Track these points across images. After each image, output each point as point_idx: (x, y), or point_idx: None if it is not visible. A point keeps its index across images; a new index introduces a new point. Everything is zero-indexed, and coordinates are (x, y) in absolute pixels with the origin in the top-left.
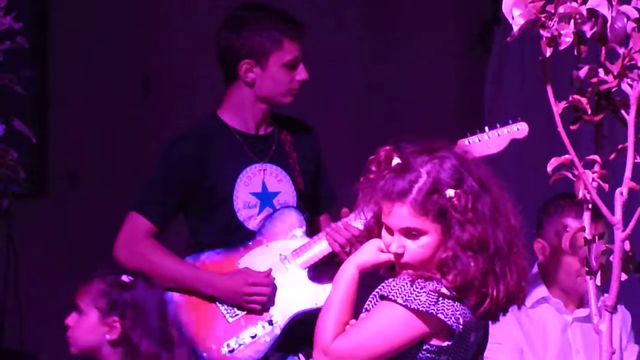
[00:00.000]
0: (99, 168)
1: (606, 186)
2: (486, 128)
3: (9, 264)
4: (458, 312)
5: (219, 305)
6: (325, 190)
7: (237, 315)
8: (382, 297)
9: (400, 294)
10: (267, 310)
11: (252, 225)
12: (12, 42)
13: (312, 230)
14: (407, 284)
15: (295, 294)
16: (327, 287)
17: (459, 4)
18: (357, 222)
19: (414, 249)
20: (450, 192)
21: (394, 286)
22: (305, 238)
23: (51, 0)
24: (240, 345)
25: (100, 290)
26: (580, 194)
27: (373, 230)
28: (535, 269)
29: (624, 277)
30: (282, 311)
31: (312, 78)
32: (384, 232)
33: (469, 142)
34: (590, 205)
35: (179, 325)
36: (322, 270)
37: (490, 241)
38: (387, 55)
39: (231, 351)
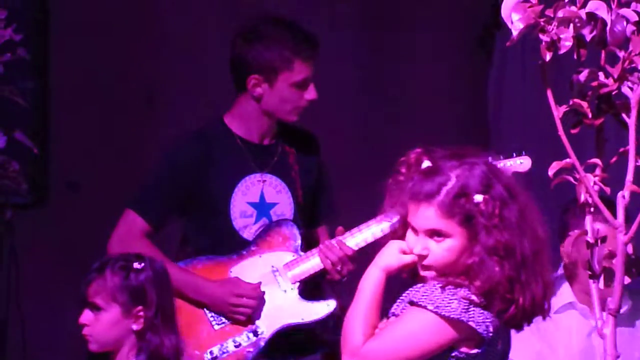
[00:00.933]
0: (101, 178)
1: (608, 189)
2: (489, 158)
3: (10, 274)
4: (488, 320)
5: (206, 312)
6: (326, 203)
7: (223, 323)
8: (412, 303)
9: (430, 301)
10: (253, 321)
11: (247, 234)
12: (13, 54)
13: (309, 244)
14: (437, 290)
15: (283, 307)
16: (315, 304)
17: (458, 7)
18: (351, 240)
19: (438, 251)
20: (478, 197)
21: (424, 292)
22: (299, 253)
23: (52, 12)
24: (223, 353)
25: (118, 284)
26: (582, 198)
27: (397, 232)
28: (561, 274)
29: (627, 280)
30: (268, 323)
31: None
32: (409, 233)
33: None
34: (592, 209)
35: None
36: (313, 287)
37: (517, 249)
38: (387, 58)
39: (214, 358)
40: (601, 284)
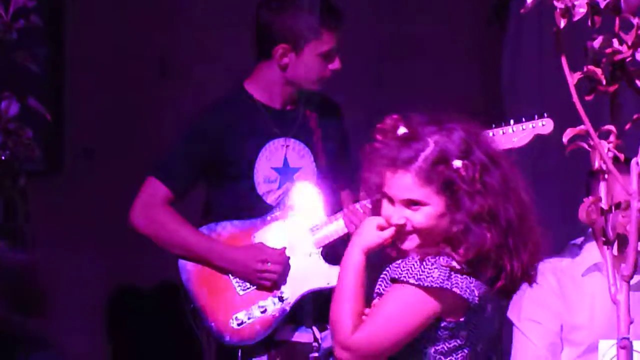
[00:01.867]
0: (115, 145)
1: (622, 156)
2: (511, 121)
3: (25, 242)
4: (472, 285)
5: (231, 278)
6: (350, 168)
7: (248, 288)
8: (393, 280)
9: (411, 274)
10: (278, 286)
11: (270, 199)
12: (26, 20)
13: (333, 209)
14: (416, 263)
15: (308, 272)
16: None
17: None
18: None
19: (417, 219)
20: (457, 163)
21: (403, 267)
22: (323, 217)
23: None
24: (249, 319)
25: None
26: (596, 164)
27: (377, 206)
28: (589, 234)
29: None
30: (293, 288)
31: None
32: (385, 203)
33: (492, 134)
34: (606, 176)
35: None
36: (337, 250)
37: (501, 215)
38: (400, 26)
39: (240, 324)
40: (615, 250)
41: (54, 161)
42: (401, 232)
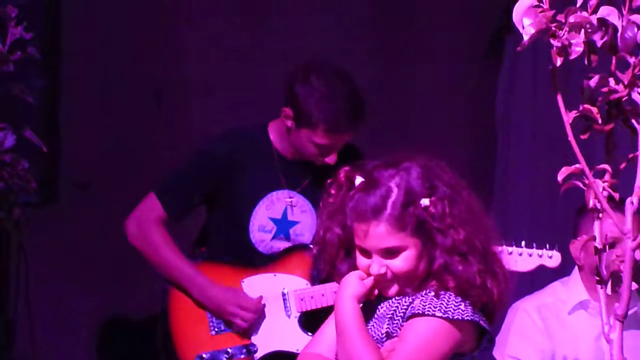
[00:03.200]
0: (110, 178)
1: (616, 195)
2: (523, 243)
3: (19, 273)
4: (483, 319)
5: (208, 315)
6: None
7: (221, 331)
8: (414, 315)
9: (435, 308)
10: (250, 336)
11: (262, 248)
12: (23, 52)
13: (328, 276)
14: (434, 298)
15: (282, 332)
16: None
17: (468, 11)
18: None
19: (397, 264)
20: (425, 201)
21: (423, 303)
22: (313, 283)
23: (63, 11)
24: None
25: None
26: (591, 203)
27: (333, 252)
28: (574, 273)
29: (634, 286)
30: (264, 343)
31: None
32: (358, 256)
33: (500, 251)
34: (600, 215)
35: None
36: (316, 319)
37: (476, 242)
38: (396, 63)
39: None
40: (609, 290)
41: (49, 193)
42: (383, 281)
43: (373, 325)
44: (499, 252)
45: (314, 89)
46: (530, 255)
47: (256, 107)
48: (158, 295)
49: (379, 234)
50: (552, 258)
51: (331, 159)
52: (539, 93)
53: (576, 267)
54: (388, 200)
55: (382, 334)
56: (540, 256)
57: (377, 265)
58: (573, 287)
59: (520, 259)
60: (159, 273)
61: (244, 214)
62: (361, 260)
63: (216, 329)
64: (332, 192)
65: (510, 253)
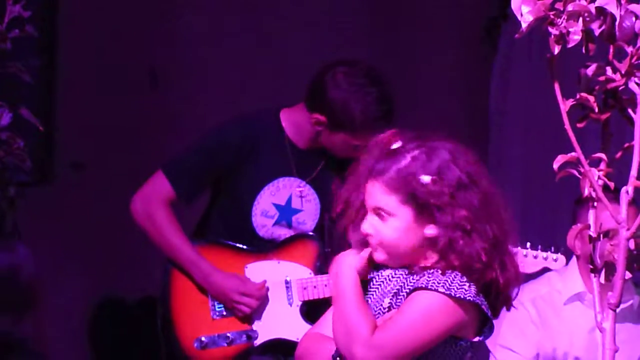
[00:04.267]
0: (106, 157)
1: (612, 184)
2: (528, 244)
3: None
4: (486, 304)
5: (210, 299)
6: None
7: (222, 315)
8: (418, 289)
9: (439, 284)
10: (251, 322)
11: (262, 232)
12: (21, 30)
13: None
14: (438, 275)
15: (284, 320)
16: None
17: None
18: None
19: (384, 230)
20: (425, 178)
21: (429, 278)
22: (316, 272)
23: None
24: (213, 344)
25: None
26: (586, 192)
27: (352, 214)
28: (571, 263)
29: (628, 275)
30: (264, 330)
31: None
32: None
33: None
34: (595, 204)
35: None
36: (318, 309)
37: (487, 230)
38: (391, 51)
39: (202, 346)
40: (602, 279)
41: (44, 172)
42: (371, 244)
43: (371, 298)
44: (514, 251)
45: (350, 94)
46: (535, 257)
47: (254, 91)
48: (152, 276)
49: (374, 191)
50: (557, 261)
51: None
52: (533, 82)
53: (574, 258)
54: (394, 165)
55: (383, 308)
56: (545, 259)
57: (368, 224)
58: (569, 278)
59: (525, 260)
60: (162, 253)
61: (247, 198)
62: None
63: (217, 314)
64: (369, 149)
65: (515, 254)
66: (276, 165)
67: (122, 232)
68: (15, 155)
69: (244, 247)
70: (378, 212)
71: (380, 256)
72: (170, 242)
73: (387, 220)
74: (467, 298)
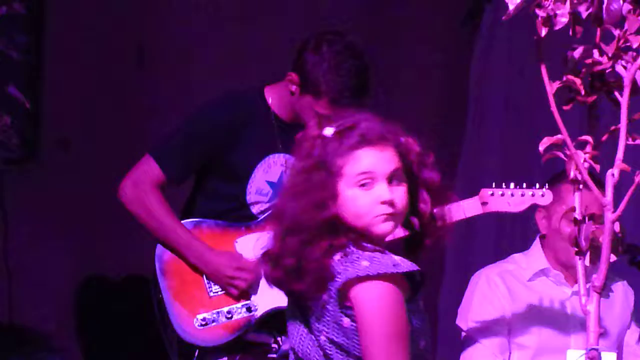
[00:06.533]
0: (92, 135)
1: (597, 167)
2: (512, 185)
3: None
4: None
5: (204, 278)
6: None
7: (219, 292)
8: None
9: (372, 268)
10: (249, 296)
11: (256, 210)
12: (9, 8)
13: None
14: (342, 263)
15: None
16: None
17: None
18: None
19: (400, 195)
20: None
21: (345, 269)
22: None
23: None
24: (213, 322)
25: None
26: (572, 174)
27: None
28: (535, 244)
29: (613, 258)
30: (263, 302)
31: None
32: (359, 195)
33: (492, 194)
34: (581, 186)
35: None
36: None
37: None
38: (376, 34)
39: (203, 325)
40: (587, 261)
41: (31, 150)
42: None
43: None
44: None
45: (323, 58)
46: (522, 195)
47: (241, 71)
48: (138, 253)
49: (389, 156)
50: (544, 196)
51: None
52: (514, 62)
53: (537, 238)
54: (396, 135)
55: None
56: (532, 195)
57: (387, 191)
58: (533, 257)
59: (512, 199)
60: (154, 237)
61: (243, 177)
62: (363, 198)
63: (214, 291)
64: (305, 151)
65: (502, 195)
66: (265, 143)
67: (108, 209)
68: (2, 132)
69: (232, 223)
70: (395, 176)
71: (391, 227)
72: (163, 226)
73: (400, 187)
74: (397, 271)
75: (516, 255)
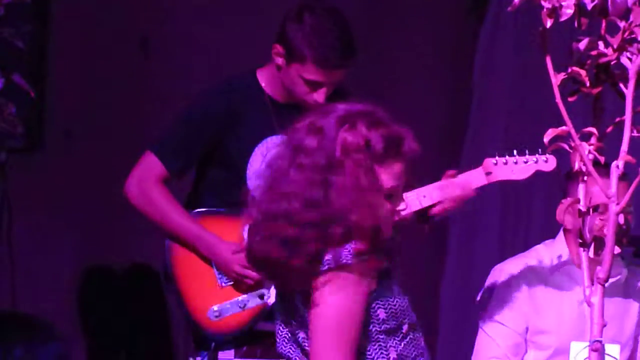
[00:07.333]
0: (95, 126)
1: (602, 158)
2: (515, 152)
3: (2, 217)
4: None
5: (215, 268)
6: None
7: (230, 282)
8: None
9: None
10: (261, 284)
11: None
12: None
13: None
14: (305, 262)
15: None
16: None
17: None
18: None
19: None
20: None
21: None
22: None
23: None
24: (227, 312)
25: None
26: (576, 166)
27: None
28: (559, 236)
29: (617, 250)
30: (274, 290)
31: None
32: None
33: (495, 163)
34: (585, 178)
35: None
36: None
37: None
38: (378, 25)
39: (217, 316)
40: (591, 253)
41: (35, 139)
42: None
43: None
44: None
45: (304, 24)
46: (526, 162)
47: (244, 61)
48: (141, 242)
49: (400, 169)
50: (547, 162)
51: (320, 96)
52: (520, 53)
53: (561, 231)
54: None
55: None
56: (536, 162)
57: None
58: (557, 251)
59: (516, 167)
60: (163, 231)
61: (241, 162)
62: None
63: (224, 281)
64: (359, 156)
65: (506, 163)
66: (262, 126)
67: (111, 199)
68: (6, 121)
69: (236, 210)
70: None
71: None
72: (172, 220)
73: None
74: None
75: (539, 247)
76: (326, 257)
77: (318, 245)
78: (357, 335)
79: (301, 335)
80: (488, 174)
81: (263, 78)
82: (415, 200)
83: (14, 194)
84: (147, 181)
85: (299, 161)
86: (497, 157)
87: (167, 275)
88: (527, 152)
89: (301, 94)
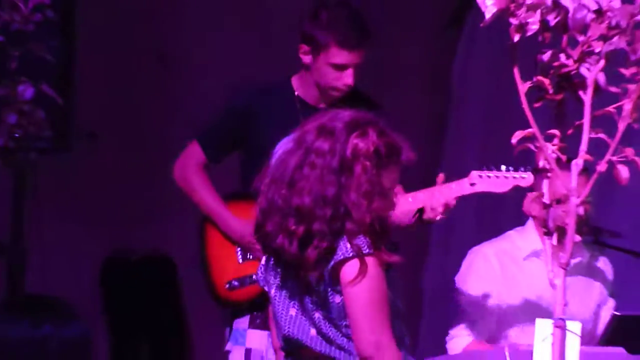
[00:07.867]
0: (118, 129)
1: (564, 157)
2: (502, 167)
3: (32, 211)
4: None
5: (235, 246)
6: None
7: (247, 258)
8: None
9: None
10: None
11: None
12: (43, 14)
13: None
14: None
15: None
16: None
17: None
18: None
19: None
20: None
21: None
22: None
23: None
24: (241, 285)
25: None
26: (541, 164)
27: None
28: (528, 223)
29: (577, 238)
30: None
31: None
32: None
33: (481, 176)
34: (548, 174)
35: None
36: None
37: None
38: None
39: (231, 288)
40: (554, 240)
41: (62, 141)
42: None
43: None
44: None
45: (321, 18)
46: (507, 178)
47: (260, 72)
48: (163, 238)
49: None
50: (525, 179)
51: (348, 78)
52: (492, 65)
53: (530, 219)
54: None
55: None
56: (515, 177)
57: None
58: (527, 236)
59: (497, 181)
60: (199, 209)
61: (266, 154)
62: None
63: (242, 258)
64: (367, 161)
65: (489, 177)
66: (287, 123)
67: (132, 196)
68: (36, 125)
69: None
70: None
71: None
72: (202, 199)
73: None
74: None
75: (511, 233)
76: (347, 246)
77: (328, 239)
78: (389, 311)
79: (317, 315)
80: (472, 184)
81: (296, 82)
82: (404, 201)
83: (43, 189)
84: (188, 166)
85: (310, 160)
86: (483, 171)
87: (200, 246)
88: (510, 168)
89: (331, 82)
